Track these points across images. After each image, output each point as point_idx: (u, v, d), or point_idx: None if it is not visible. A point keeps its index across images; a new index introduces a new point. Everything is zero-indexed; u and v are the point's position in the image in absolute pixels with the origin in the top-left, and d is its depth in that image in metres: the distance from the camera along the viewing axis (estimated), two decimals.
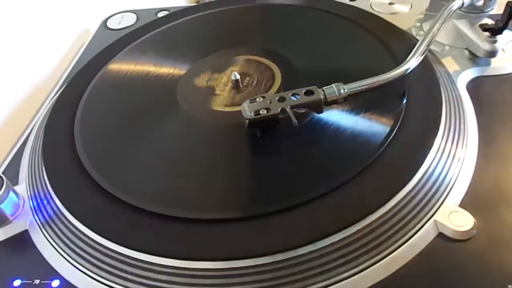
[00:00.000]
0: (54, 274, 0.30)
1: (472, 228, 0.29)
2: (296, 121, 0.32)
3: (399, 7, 0.52)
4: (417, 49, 0.37)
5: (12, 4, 0.48)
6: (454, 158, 0.32)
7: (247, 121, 0.34)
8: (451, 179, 0.32)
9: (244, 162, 0.35)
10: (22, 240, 0.33)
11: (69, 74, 0.50)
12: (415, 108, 0.35)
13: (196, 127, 0.38)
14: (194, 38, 0.51)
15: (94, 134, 0.38)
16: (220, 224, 0.29)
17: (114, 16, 0.60)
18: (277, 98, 0.34)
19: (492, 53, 0.41)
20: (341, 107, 0.36)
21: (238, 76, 0.41)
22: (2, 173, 0.37)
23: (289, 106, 0.33)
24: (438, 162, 0.32)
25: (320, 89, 0.34)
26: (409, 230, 0.29)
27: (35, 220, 0.34)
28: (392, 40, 0.42)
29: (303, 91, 0.34)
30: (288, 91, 0.34)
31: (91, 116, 0.40)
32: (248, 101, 0.34)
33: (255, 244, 0.28)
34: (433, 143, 0.32)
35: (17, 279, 0.30)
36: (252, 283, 0.27)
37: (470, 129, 0.35)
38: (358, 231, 0.28)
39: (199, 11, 0.54)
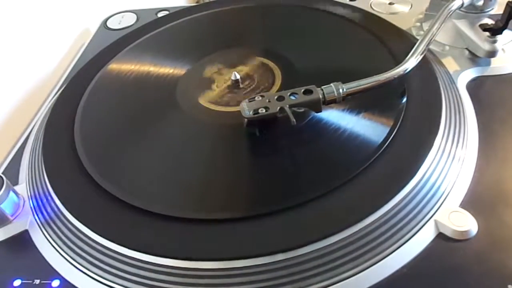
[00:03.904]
0: (54, 274, 0.30)
1: (472, 228, 0.29)
2: (294, 120, 0.32)
3: (399, 7, 0.52)
4: (416, 48, 0.37)
5: (12, 4, 0.48)
6: (454, 158, 0.32)
7: (246, 120, 0.34)
8: (451, 179, 0.32)
9: (243, 162, 0.35)
10: (22, 240, 0.33)
11: (69, 74, 0.50)
12: (415, 108, 0.35)
13: (195, 127, 0.38)
14: (194, 38, 0.51)
15: (94, 134, 0.38)
16: (220, 224, 0.29)
17: (114, 16, 0.60)
18: (276, 97, 0.34)
19: (492, 53, 0.41)
20: (341, 107, 0.36)
21: (238, 76, 0.41)
22: (2, 173, 0.37)
23: (287, 105, 0.33)
24: (438, 162, 0.32)
25: (319, 89, 0.34)
26: (409, 230, 0.29)
27: (35, 220, 0.34)
28: (391, 40, 0.42)
29: (302, 90, 0.34)
30: (287, 90, 0.34)
31: (91, 116, 0.40)
32: (247, 100, 0.34)
33: (255, 244, 0.28)
34: (433, 143, 0.32)
35: (17, 279, 0.30)
36: (252, 283, 0.27)
37: (470, 129, 0.35)
38: (358, 231, 0.28)
39: (199, 11, 0.54)
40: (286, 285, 0.27)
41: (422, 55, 0.37)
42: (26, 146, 0.42)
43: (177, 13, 0.54)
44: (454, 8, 0.41)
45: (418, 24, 0.48)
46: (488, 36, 0.41)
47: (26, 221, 0.34)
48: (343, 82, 0.34)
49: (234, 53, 0.45)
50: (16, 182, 0.38)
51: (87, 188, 0.33)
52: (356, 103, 0.36)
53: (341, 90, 0.34)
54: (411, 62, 0.36)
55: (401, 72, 0.36)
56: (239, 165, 0.34)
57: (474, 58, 0.42)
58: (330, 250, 0.28)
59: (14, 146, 0.43)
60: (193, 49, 0.48)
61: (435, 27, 0.39)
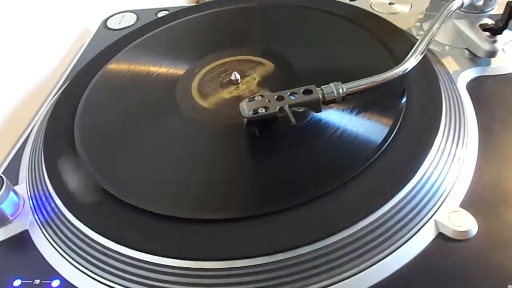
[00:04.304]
0: (54, 274, 0.30)
1: (472, 228, 0.29)
2: (294, 120, 0.32)
3: (399, 7, 0.52)
4: (416, 48, 0.37)
5: (12, 4, 0.48)
6: (454, 158, 0.32)
7: (245, 119, 0.34)
8: (451, 179, 0.31)
9: (243, 162, 0.35)
10: (22, 240, 0.33)
11: (69, 74, 0.51)
12: (415, 108, 0.35)
13: (195, 127, 0.38)
14: (194, 38, 0.51)
15: (94, 134, 0.38)
16: (220, 224, 0.29)
17: (114, 16, 0.60)
18: (275, 97, 0.34)
19: (492, 53, 0.41)
20: (341, 107, 0.36)
21: (238, 76, 0.41)
22: (2, 173, 0.37)
23: (287, 105, 0.33)
24: (438, 162, 0.32)
25: (319, 88, 0.34)
26: (409, 230, 0.29)
27: (35, 220, 0.34)
28: (391, 40, 0.42)
29: (302, 90, 0.34)
30: (287, 90, 0.34)
31: (91, 116, 0.40)
32: (246, 99, 0.34)
33: (255, 244, 0.28)
34: (433, 143, 0.32)
35: (17, 279, 0.30)
36: (252, 283, 0.27)
37: (470, 129, 0.35)
38: (358, 231, 0.28)
39: (199, 11, 0.54)
40: (286, 285, 0.27)
41: (422, 55, 0.37)
42: (26, 146, 0.42)
43: (177, 13, 0.54)
44: (454, 8, 0.41)
45: (418, 24, 0.48)
46: (488, 36, 0.41)
47: (26, 221, 0.34)
48: (343, 82, 0.34)
49: (234, 53, 0.45)
50: (16, 182, 0.38)
51: (87, 188, 0.33)
52: (356, 103, 0.36)
53: (340, 90, 0.34)
54: (411, 62, 0.36)
55: (401, 72, 0.36)
56: (239, 165, 0.34)
57: (474, 58, 0.42)
58: (330, 250, 0.28)
59: (14, 146, 0.43)
60: (193, 49, 0.48)
61: (435, 27, 0.39)
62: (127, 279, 0.29)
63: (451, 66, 0.42)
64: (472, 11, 0.43)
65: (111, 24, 0.58)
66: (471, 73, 0.41)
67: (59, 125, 0.40)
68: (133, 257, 0.29)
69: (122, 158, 0.36)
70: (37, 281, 0.30)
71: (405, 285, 0.27)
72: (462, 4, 0.41)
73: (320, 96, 0.34)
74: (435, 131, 0.33)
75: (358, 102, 0.36)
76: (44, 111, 0.46)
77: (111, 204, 0.32)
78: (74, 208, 0.32)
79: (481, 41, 0.41)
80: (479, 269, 0.27)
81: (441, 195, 0.31)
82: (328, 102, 0.34)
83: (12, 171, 0.39)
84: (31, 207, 0.35)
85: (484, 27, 0.42)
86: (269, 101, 0.34)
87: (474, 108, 0.37)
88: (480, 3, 0.43)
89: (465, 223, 0.29)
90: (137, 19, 0.58)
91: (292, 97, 0.34)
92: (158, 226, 0.30)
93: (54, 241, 0.32)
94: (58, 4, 0.55)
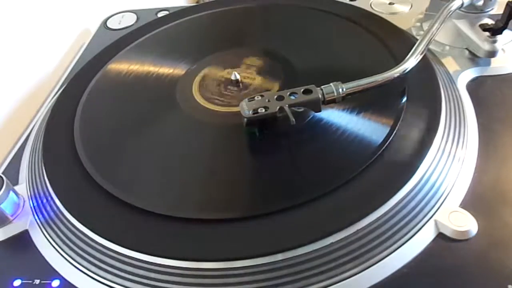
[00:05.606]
0: (54, 274, 0.30)
1: (472, 228, 0.29)
2: (293, 119, 0.32)
3: (399, 7, 0.52)
4: (416, 48, 0.37)
5: (12, 4, 0.48)
6: (454, 158, 0.32)
7: (245, 119, 0.34)
8: (451, 179, 0.32)
9: (244, 162, 0.35)
10: (22, 240, 0.33)
11: (69, 74, 0.51)
12: (415, 108, 0.35)
13: (195, 127, 0.38)
14: (194, 38, 0.51)
15: (94, 134, 0.38)
16: (220, 224, 0.29)
17: (114, 16, 0.60)
18: (275, 96, 0.34)
19: (492, 53, 0.41)
20: (341, 107, 0.36)
21: (238, 76, 0.41)
22: (2, 173, 0.37)
23: (287, 105, 0.33)
24: (438, 162, 0.32)
25: (319, 88, 0.34)
26: (409, 230, 0.29)
27: (35, 220, 0.34)
28: (392, 40, 0.42)
29: (302, 90, 0.34)
30: (287, 90, 0.34)
31: (91, 116, 0.40)
32: (246, 99, 0.34)
33: (255, 244, 0.28)
34: (432, 143, 0.32)
35: (17, 279, 0.30)
36: (252, 283, 0.27)
37: (470, 129, 0.35)
38: (358, 231, 0.28)
39: (199, 11, 0.54)
40: (286, 285, 0.27)
41: (422, 55, 0.37)
42: (26, 146, 0.42)
43: (177, 13, 0.54)
44: (454, 8, 0.41)
45: (418, 24, 0.48)
46: (488, 36, 0.41)
47: (26, 221, 0.34)
48: (343, 82, 0.34)
49: (234, 53, 0.45)
50: (16, 182, 0.38)
51: (87, 188, 0.33)
52: (356, 103, 0.36)
53: (340, 90, 0.34)
54: (410, 62, 0.36)
55: (401, 72, 0.36)
56: (239, 165, 0.34)
57: (474, 58, 0.42)
58: (330, 250, 0.28)
59: (14, 146, 0.43)
60: (193, 49, 0.48)
61: (435, 27, 0.39)
62: (127, 279, 0.29)
63: (451, 66, 0.42)
64: (472, 11, 0.43)
65: (111, 24, 0.59)
66: (471, 73, 0.41)
67: (59, 125, 0.40)
68: (133, 257, 0.29)
69: (122, 158, 0.36)
70: (37, 281, 0.30)
71: (405, 285, 0.27)
72: (462, 4, 0.41)
73: (320, 96, 0.34)
74: (435, 131, 0.33)
75: (358, 102, 0.36)
76: (44, 111, 0.46)
77: (110, 204, 0.32)
78: (73, 209, 0.32)
79: (481, 41, 0.41)
80: (479, 269, 0.27)
81: (441, 195, 0.31)
82: (328, 102, 0.34)
83: (12, 171, 0.39)
84: (31, 207, 0.35)
85: (484, 27, 0.42)
86: (269, 101, 0.34)
87: (474, 108, 0.37)
88: (480, 3, 0.43)
89: (465, 223, 0.29)
90: (137, 19, 0.58)
91: (292, 97, 0.34)
92: (158, 226, 0.30)
93: (54, 241, 0.32)
94: (58, 4, 0.55)
